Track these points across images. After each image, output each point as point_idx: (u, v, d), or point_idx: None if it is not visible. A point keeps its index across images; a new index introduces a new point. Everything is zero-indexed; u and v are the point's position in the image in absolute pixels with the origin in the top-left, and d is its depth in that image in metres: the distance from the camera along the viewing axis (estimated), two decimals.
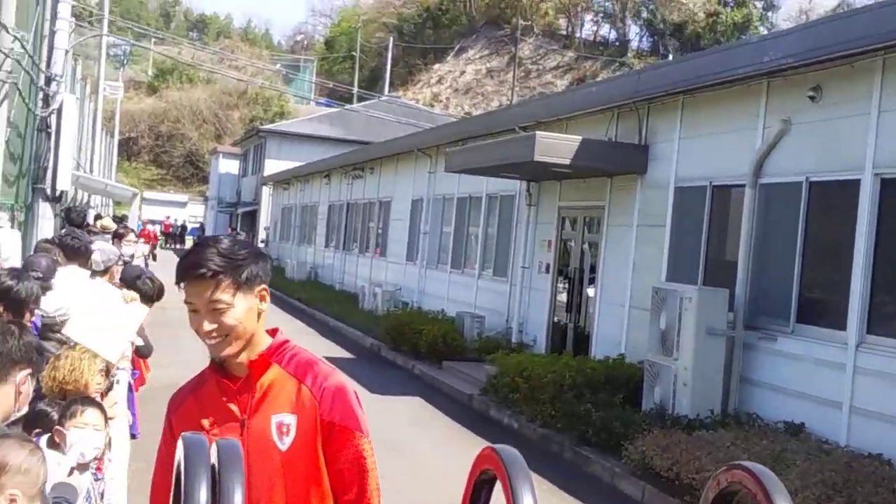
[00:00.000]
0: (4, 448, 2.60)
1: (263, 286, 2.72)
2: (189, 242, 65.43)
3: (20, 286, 5.01)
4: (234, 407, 2.69)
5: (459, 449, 11.52)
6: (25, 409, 3.41)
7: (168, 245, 62.34)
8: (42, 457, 2.70)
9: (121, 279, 8.88)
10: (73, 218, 16.61)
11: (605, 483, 10.16)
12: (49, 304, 5.88)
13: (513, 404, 13.04)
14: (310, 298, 27.87)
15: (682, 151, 13.03)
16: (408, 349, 17.93)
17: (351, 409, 2.74)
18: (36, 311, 5.59)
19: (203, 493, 1.60)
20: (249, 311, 2.67)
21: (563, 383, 12.00)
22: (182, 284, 2.66)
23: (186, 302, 2.65)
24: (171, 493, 1.80)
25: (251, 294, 2.67)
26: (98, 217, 23.43)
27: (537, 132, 14.37)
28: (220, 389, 2.74)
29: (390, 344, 18.87)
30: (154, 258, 32.80)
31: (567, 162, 13.81)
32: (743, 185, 11.39)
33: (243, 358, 2.71)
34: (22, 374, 3.11)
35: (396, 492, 8.87)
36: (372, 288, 25.41)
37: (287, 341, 2.81)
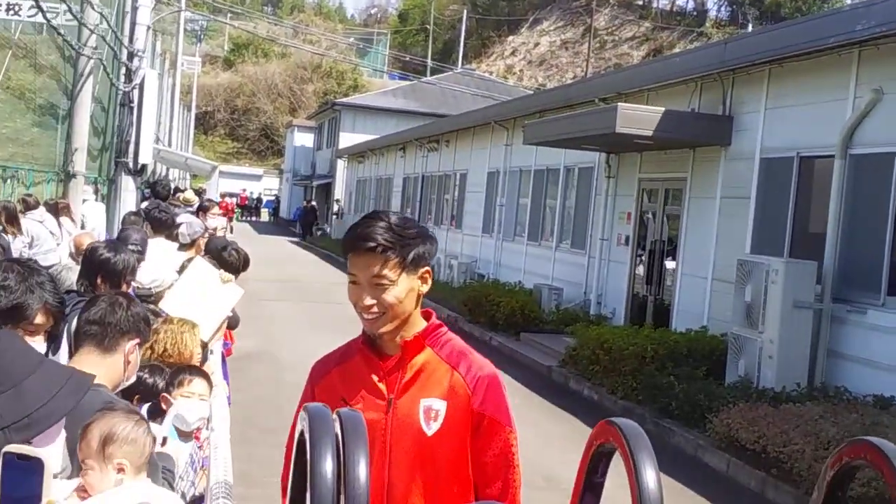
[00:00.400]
0: (112, 419, 2.65)
1: (427, 268, 2.67)
2: (265, 215, 66.33)
3: (117, 258, 5.08)
4: (382, 385, 2.65)
5: (540, 419, 11.54)
6: (133, 379, 3.48)
7: (243, 218, 63.17)
8: (147, 428, 2.72)
9: (206, 251, 9.04)
10: (158, 191, 16.90)
11: (689, 455, 10.09)
12: (144, 276, 5.98)
13: (592, 376, 13.00)
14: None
15: (769, 122, 12.80)
16: (485, 321, 17.96)
17: (503, 402, 2.70)
18: (132, 283, 5.70)
19: (329, 464, 1.58)
20: (410, 292, 2.62)
21: (645, 355, 11.93)
22: (349, 255, 2.61)
23: (349, 273, 2.61)
24: (292, 463, 1.78)
25: (414, 275, 2.62)
26: (179, 190, 23.81)
27: (619, 104, 14.25)
28: (369, 366, 2.70)
29: (467, 315, 18.92)
30: (231, 230, 33.25)
31: (649, 133, 13.66)
32: (832, 156, 11.16)
33: (398, 337, 2.67)
34: (130, 344, 3.17)
35: None
36: (448, 260, 25.47)
37: (442, 325, 2.77)
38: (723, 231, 13.59)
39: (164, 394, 4.15)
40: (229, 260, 9.11)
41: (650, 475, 1.70)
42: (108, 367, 3.10)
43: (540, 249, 20.64)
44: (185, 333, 4.95)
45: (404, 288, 2.58)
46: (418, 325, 2.70)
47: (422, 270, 2.64)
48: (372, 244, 2.54)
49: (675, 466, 9.53)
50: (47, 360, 2.20)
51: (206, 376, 4.38)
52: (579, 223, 18.75)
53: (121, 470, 2.61)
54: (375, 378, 2.66)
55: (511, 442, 2.69)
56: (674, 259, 15.10)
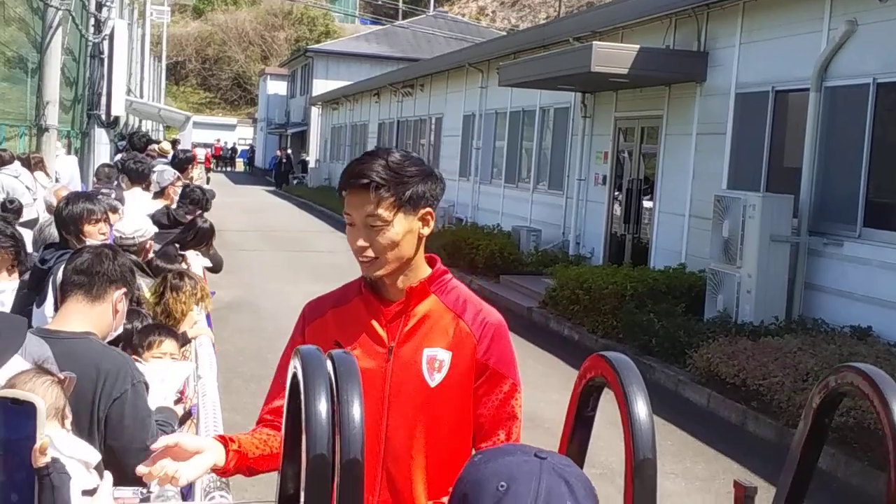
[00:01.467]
0: (16, 378, 2.54)
1: (429, 209, 2.51)
2: (240, 165, 65.90)
3: (68, 208, 5.08)
4: (383, 332, 2.52)
5: (521, 360, 11.53)
6: (121, 329, 3.48)
7: (219, 168, 62.74)
8: (50, 384, 2.59)
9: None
10: (135, 142, 16.75)
11: (670, 391, 10.21)
12: (126, 227, 5.97)
13: (573, 316, 13.08)
14: None
15: (743, 57, 12.78)
16: (464, 265, 17.97)
17: (508, 354, 2.59)
18: (113, 232, 5.68)
19: (323, 405, 1.57)
20: (409, 234, 2.47)
21: (624, 294, 12.00)
22: (344, 193, 2.49)
23: (345, 213, 2.51)
24: (285, 406, 1.77)
25: (413, 216, 2.47)
26: (154, 141, 23.62)
27: (594, 42, 14.18)
28: (369, 311, 2.57)
29: (446, 260, 18.84)
30: (208, 181, 33.01)
31: (625, 72, 13.63)
32: (807, 89, 11.17)
33: (401, 283, 2.54)
34: (118, 294, 3.20)
35: None
36: None
37: (447, 272, 2.63)
38: (699, 168, 13.62)
39: (135, 356, 4.03)
40: (192, 196, 9.08)
41: (641, 406, 1.71)
42: (97, 316, 3.13)
43: (517, 191, 20.64)
44: (192, 298, 5.01)
45: (401, 229, 2.46)
46: (422, 271, 2.57)
47: (422, 211, 2.49)
48: (364, 181, 2.43)
49: (656, 402, 9.58)
50: None
51: (174, 335, 4.32)
52: (556, 164, 18.74)
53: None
54: (377, 324, 2.54)
55: (513, 395, 2.57)
56: (651, 198, 15.14)
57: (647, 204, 15.39)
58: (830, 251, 10.76)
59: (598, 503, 1.41)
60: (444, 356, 2.51)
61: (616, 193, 16.38)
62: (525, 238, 18.05)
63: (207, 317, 5.99)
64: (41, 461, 1.61)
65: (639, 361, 10.91)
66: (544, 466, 1.38)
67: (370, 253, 2.48)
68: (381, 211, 2.43)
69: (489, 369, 2.53)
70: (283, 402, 2.54)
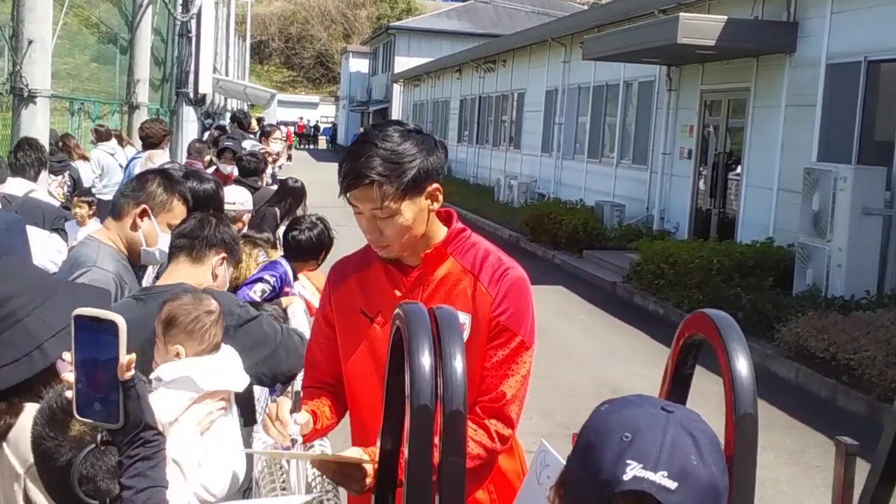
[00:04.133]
0: (179, 304, 2.73)
1: (435, 185, 2.47)
2: (322, 143, 66.53)
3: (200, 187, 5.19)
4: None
5: (604, 334, 11.60)
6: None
7: (302, 146, 63.42)
8: (216, 318, 2.75)
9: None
10: (240, 120, 17.04)
11: (757, 364, 10.02)
12: (229, 196, 6.10)
13: (658, 291, 12.98)
14: (445, 193, 27.90)
15: (834, 27, 12.49)
16: (547, 240, 17.96)
17: (522, 310, 2.51)
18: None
19: (426, 359, 1.60)
20: (419, 214, 2.45)
21: (711, 268, 11.88)
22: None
23: (350, 204, 2.46)
24: (387, 361, 1.81)
25: (420, 196, 2.43)
26: (260, 119, 24.02)
27: (680, 14, 13.98)
28: (390, 279, 2.56)
29: (529, 235, 18.92)
30: (290, 158, 33.38)
31: (712, 43, 13.43)
32: None
33: (418, 250, 2.53)
34: (217, 258, 3.34)
35: (545, 377, 9.02)
36: (507, 180, 25.41)
37: (464, 230, 2.59)
38: (788, 140, 13.37)
39: None
40: (248, 167, 9.07)
41: (742, 362, 1.69)
42: (197, 276, 3.27)
43: (600, 167, 20.50)
44: (251, 258, 5.11)
45: (410, 214, 2.43)
46: (438, 234, 2.55)
47: (428, 189, 2.45)
48: (365, 181, 2.38)
49: None
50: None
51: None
52: (640, 138, 18.55)
53: (177, 355, 2.68)
54: (398, 293, 2.52)
55: (520, 352, 2.50)
56: (738, 171, 14.91)
57: (732, 178, 15.16)
58: None
59: (724, 460, 1.40)
60: (465, 318, 2.45)
61: (701, 168, 16.17)
62: (608, 213, 17.94)
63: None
64: (127, 376, 1.67)
65: None
66: (671, 420, 1.36)
67: (383, 241, 2.47)
68: (387, 203, 2.39)
69: (500, 324, 2.48)
70: (326, 370, 2.66)
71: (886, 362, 8.11)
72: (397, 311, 1.72)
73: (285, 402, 2.47)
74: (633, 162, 18.85)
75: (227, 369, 2.72)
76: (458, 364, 1.60)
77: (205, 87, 19.23)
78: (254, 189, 8.57)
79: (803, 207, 11.38)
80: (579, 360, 10.13)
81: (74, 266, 3.61)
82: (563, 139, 22.80)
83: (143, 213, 3.65)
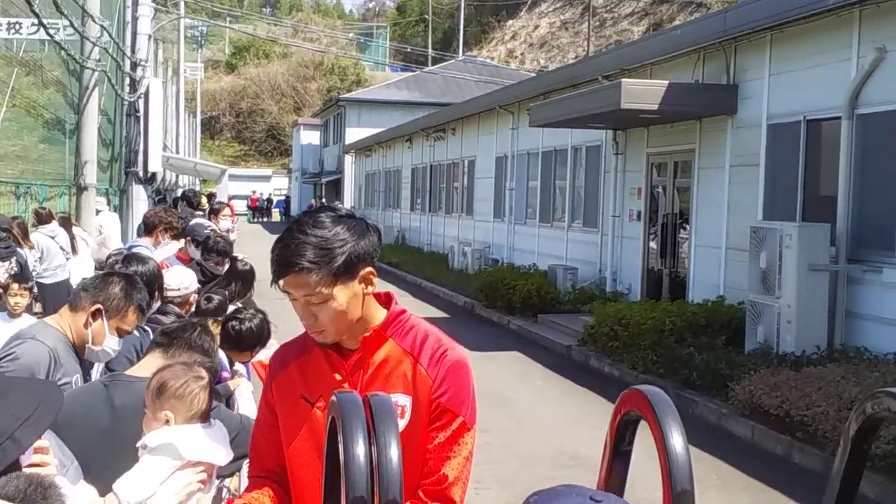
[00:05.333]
0: (170, 371, 2.85)
1: (368, 269, 2.46)
2: (276, 215, 66.45)
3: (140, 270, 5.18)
4: (345, 385, 2.47)
5: (562, 399, 11.59)
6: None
7: (256, 219, 63.33)
8: (205, 384, 2.86)
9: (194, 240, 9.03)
10: (189, 199, 16.95)
11: (713, 424, 10.13)
12: (171, 279, 6.08)
13: (612, 353, 13.03)
14: (400, 261, 28.13)
15: (773, 88, 12.79)
16: (502, 305, 18.00)
17: (463, 391, 2.50)
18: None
19: (361, 448, 1.61)
20: (353, 299, 2.44)
21: (664, 328, 11.97)
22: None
23: (283, 291, 2.45)
24: (326, 450, 1.80)
25: (353, 280, 2.43)
26: (211, 196, 23.94)
27: (623, 79, 14.25)
28: (330, 363, 2.54)
29: (484, 301, 18.96)
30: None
31: (655, 107, 13.67)
32: (839, 118, 11.14)
33: (356, 334, 2.52)
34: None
35: (504, 447, 8.99)
36: (461, 247, 25.51)
37: (403, 312, 2.59)
38: (734, 200, 13.59)
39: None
40: (217, 247, 9.05)
41: (677, 438, 1.71)
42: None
43: (552, 230, 20.66)
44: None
45: (343, 299, 2.42)
46: (376, 317, 2.55)
47: (361, 272, 2.44)
48: (295, 268, 2.38)
49: (699, 436, 9.55)
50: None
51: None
52: (590, 202, 18.75)
53: (166, 421, 2.76)
54: (338, 377, 2.51)
55: (462, 433, 2.48)
56: (686, 232, 15.10)
57: (683, 237, 15.35)
58: (870, 278, 10.68)
59: None
60: (405, 401, 2.47)
61: (651, 228, 16.36)
62: (562, 276, 18.04)
63: (246, 367, 6.05)
64: None
65: (680, 396, 10.86)
66: None
67: (318, 327, 2.47)
68: (319, 289, 2.39)
69: (440, 406, 2.47)
70: (271, 459, 2.64)
71: (839, 417, 8.18)
72: (332, 399, 1.72)
73: None
74: (584, 225, 19.02)
75: (212, 442, 2.75)
76: (394, 453, 1.61)
77: (154, 165, 19.16)
78: (213, 275, 8.45)
79: (751, 265, 11.53)
80: (538, 427, 10.10)
81: (12, 340, 3.75)
82: (515, 204, 22.98)
83: (97, 314, 3.74)
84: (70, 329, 3.75)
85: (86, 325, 3.72)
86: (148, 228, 9.56)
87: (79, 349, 3.78)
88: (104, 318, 3.73)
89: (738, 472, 8.42)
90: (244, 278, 7.62)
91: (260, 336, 5.27)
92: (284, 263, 2.40)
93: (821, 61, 11.81)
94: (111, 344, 3.77)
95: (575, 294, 17.25)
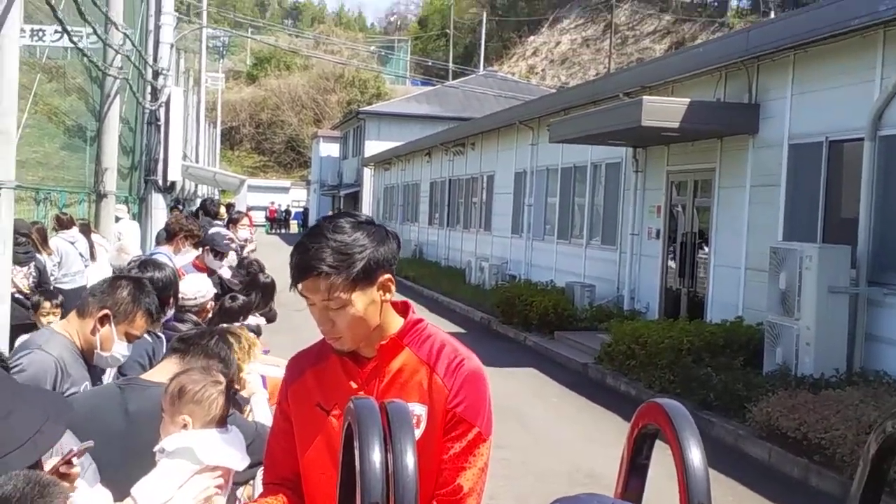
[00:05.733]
0: (189, 375, 2.86)
1: (387, 276, 2.47)
2: (294, 227, 66.63)
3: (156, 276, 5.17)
4: (360, 393, 2.46)
5: (578, 416, 11.53)
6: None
7: (273, 230, 63.48)
8: (223, 389, 2.87)
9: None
10: (208, 208, 16.99)
11: (730, 445, 10.04)
12: (187, 288, 6.06)
13: (629, 371, 12.97)
14: (416, 276, 28.12)
15: (795, 108, 12.72)
16: (518, 321, 17.95)
17: (478, 402, 2.50)
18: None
19: (377, 455, 1.60)
20: (371, 305, 2.44)
21: (681, 348, 11.90)
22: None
23: (302, 295, 2.45)
24: (341, 457, 1.79)
25: (371, 287, 2.43)
26: (230, 206, 24.00)
27: (644, 97, 14.20)
28: (346, 371, 2.54)
29: (500, 317, 18.91)
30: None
31: (676, 125, 13.62)
32: (861, 139, 11.06)
33: (373, 342, 2.52)
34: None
35: (520, 463, 8.94)
36: (478, 262, 25.48)
37: (421, 321, 2.59)
38: (754, 220, 13.51)
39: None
40: (251, 269, 9.08)
41: (695, 453, 1.68)
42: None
43: (570, 247, 20.61)
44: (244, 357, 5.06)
45: (361, 305, 2.42)
46: (393, 325, 2.54)
47: (380, 279, 2.45)
48: (314, 273, 2.38)
49: (716, 457, 9.48)
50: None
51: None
52: (609, 219, 18.70)
53: (184, 426, 2.78)
54: (354, 385, 2.51)
55: (478, 444, 2.47)
56: (706, 251, 15.03)
57: (702, 257, 15.28)
58: (891, 301, 10.58)
59: None
60: (421, 410, 2.46)
61: (670, 247, 16.29)
62: (579, 294, 17.98)
63: (263, 379, 6.03)
64: None
65: (697, 416, 10.76)
66: None
67: (336, 333, 2.46)
68: (337, 294, 2.39)
69: (456, 416, 2.46)
70: (286, 466, 2.63)
71: (857, 441, 8.09)
72: (348, 406, 1.71)
73: None
74: (602, 242, 18.96)
75: (230, 447, 2.76)
76: (410, 460, 1.59)
77: (174, 174, 19.21)
78: (229, 289, 8.46)
79: (770, 286, 11.45)
80: (553, 444, 10.04)
81: (20, 349, 3.74)
82: (533, 220, 22.94)
83: (105, 319, 3.69)
84: (78, 335, 3.70)
85: (93, 332, 3.68)
86: (169, 235, 9.58)
87: (87, 355, 3.73)
88: (112, 324, 3.69)
89: (754, 494, 8.34)
90: (265, 290, 7.61)
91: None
92: (304, 268, 2.40)
93: (844, 82, 11.74)
94: (120, 349, 3.74)
95: (592, 311, 17.18)
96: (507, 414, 10.78)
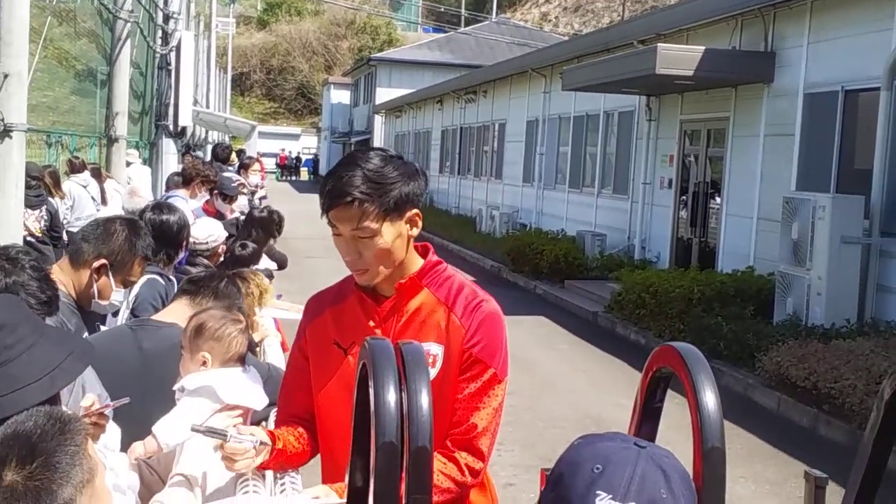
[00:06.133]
0: (208, 313, 2.89)
1: (415, 210, 2.48)
2: (304, 174, 66.55)
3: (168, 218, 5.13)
4: (378, 332, 2.49)
5: (587, 364, 11.57)
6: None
7: (284, 177, 63.43)
8: (242, 328, 2.88)
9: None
10: (218, 153, 16.98)
11: (738, 394, 10.07)
12: (199, 233, 6.07)
13: (639, 320, 12.98)
14: (426, 224, 27.86)
15: (812, 57, 12.59)
16: (529, 270, 17.95)
17: (495, 343, 2.51)
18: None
19: (392, 395, 1.60)
20: (398, 239, 2.45)
21: (692, 297, 11.88)
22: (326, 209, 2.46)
23: (330, 225, 2.47)
24: (355, 398, 1.80)
25: (400, 220, 2.45)
26: (240, 151, 23.97)
27: (658, 44, 14.07)
28: (364, 310, 2.56)
29: (511, 265, 18.92)
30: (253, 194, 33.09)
31: (690, 73, 13.50)
32: (877, 88, 10.94)
33: (393, 280, 2.53)
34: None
35: (527, 408, 9.00)
36: (489, 211, 25.45)
37: (440, 262, 2.60)
38: (767, 169, 13.43)
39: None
40: (263, 221, 9.09)
41: (709, 395, 1.68)
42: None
43: (582, 196, 20.55)
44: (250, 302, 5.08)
45: (390, 236, 2.44)
46: (414, 265, 2.56)
47: (408, 214, 2.47)
48: (347, 199, 2.39)
49: (725, 406, 9.46)
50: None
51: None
52: (621, 168, 18.62)
53: (203, 363, 2.80)
54: (372, 323, 2.52)
55: (492, 385, 2.49)
56: (718, 201, 14.97)
57: (713, 207, 15.22)
58: None
59: (695, 496, 1.42)
60: (437, 350, 2.48)
61: (682, 197, 16.23)
62: (590, 243, 17.96)
63: (276, 322, 6.05)
64: None
65: None
66: (642, 454, 1.39)
67: (362, 264, 2.47)
68: (367, 223, 2.41)
69: (472, 356, 2.48)
70: (301, 402, 2.65)
71: (867, 391, 8.11)
72: (363, 345, 1.71)
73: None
74: (613, 192, 18.90)
75: (250, 386, 2.78)
76: (424, 400, 1.59)
77: (185, 119, 19.17)
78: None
79: (783, 236, 11.41)
80: (562, 392, 10.08)
81: None
82: (545, 169, 22.86)
83: (101, 269, 3.58)
84: (73, 284, 3.56)
85: (89, 283, 3.55)
86: (186, 180, 9.59)
87: (82, 303, 3.60)
88: (109, 274, 3.58)
89: (763, 443, 8.38)
90: (262, 224, 7.64)
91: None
92: (336, 194, 2.41)
93: (861, 30, 11.60)
94: (117, 297, 3.67)
95: (603, 261, 17.17)
96: (515, 361, 10.75)
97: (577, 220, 20.08)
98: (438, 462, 2.41)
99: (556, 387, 10.29)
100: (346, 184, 2.39)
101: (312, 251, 20.18)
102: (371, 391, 1.59)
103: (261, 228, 7.66)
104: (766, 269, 12.37)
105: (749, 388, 10.00)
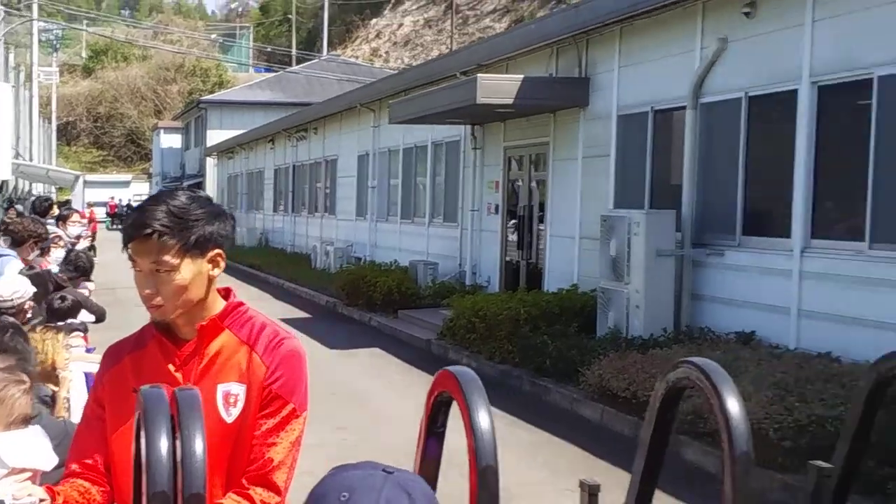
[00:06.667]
0: None
1: (218, 251, 2.47)
2: None
3: None
4: (178, 375, 2.46)
5: (420, 393, 11.47)
6: None
7: (114, 226, 61.68)
8: (26, 388, 2.66)
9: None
10: (36, 206, 16.38)
11: (565, 409, 10.23)
12: (4, 288, 5.83)
13: (470, 345, 13.07)
14: (262, 263, 27.76)
15: (623, 80, 13.03)
16: (363, 303, 17.90)
17: (294, 379, 2.51)
18: None
19: (163, 444, 1.56)
20: (198, 277, 2.43)
21: (519, 318, 12.04)
22: (128, 243, 2.43)
23: (130, 259, 2.43)
24: (133, 449, 1.74)
25: (202, 258, 2.43)
26: (62, 204, 23.10)
27: (478, 75, 14.33)
28: (165, 354, 2.51)
29: (345, 300, 18.82)
30: (92, 247, 32.10)
31: (510, 101, 13.79)
32: (684, 107, 11.42)
33: (193, 322, 2.50)
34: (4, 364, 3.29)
35: (361, 440, 8.91)
36: (324, 247, 25.33)
37: (241, 304, 2.60)
38: (587, 190, 13.79)
39: None
40: (78, 262, 8.82)
41: (483, 416, 1.75)
42: None
43: (414, 227, 20.67)
44: (48, 342, 4.85)
45: (189, 274, 2.41)
46: (215, 306, 2.53)
47: (211, 253, 2.45)
48: (148, 231, 2.36)
49: (551, 421, 9.66)
50: None
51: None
52: (450, 197, 18.82)
53: None
54: (172, 367, 2.48)
55: (291, 419, 2.48)
56: (543, 223, 15.28)
57: (539, 229, 15.53)
58: (713, 261, 10.97)
59: None
60: (239, 390, 2.47)
61: (511, 221, 16.49)
62: (422, 272, 18.04)
63: (88, 377, 5.82)
64: None
65: (535, 383, 10.96)
66: (389, 480, 1.44)
67: (158, 300, 2.43)
68: (166, 258, 2.38)
69: (272, 393, 2.47)
70: (93, 454, 2.54)
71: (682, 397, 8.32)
72: (138, 397, 1.70)
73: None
74: (444, 220, 19.08)
75: (36, 448, 2.60)
76: (198, 447, 1.61)
77: (4, 173, 18.56)
78: (59, 286, 8.15)
79: (602, 254, 11.71)
80: (392, 420, 10.01)
81: None
82: (377, 202, 22.92)
83: None
84: None
85: None
86: (17, 242, 9.17)
87: None
88: None
89: (587, 454, 8.51)
90: (74, 264, 7.39)
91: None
92: (138, 226, 2.39)
93: (667, 52, 12.09)
94: None
95: (435, 289, 17.26)
96: (347, 395, 10.76)
97: (411, 251, 20.16)
98: (232, 501, 2.38)
99: (387, 416, 10.21)
100: (149, 216, 2.38)
101: (134, 299, 19.61)
102: (143, 441, 1.57)
103: (74, 268, 7.40)
104: (589, 286, 12.65)
105: (575, 402, 10.16)
